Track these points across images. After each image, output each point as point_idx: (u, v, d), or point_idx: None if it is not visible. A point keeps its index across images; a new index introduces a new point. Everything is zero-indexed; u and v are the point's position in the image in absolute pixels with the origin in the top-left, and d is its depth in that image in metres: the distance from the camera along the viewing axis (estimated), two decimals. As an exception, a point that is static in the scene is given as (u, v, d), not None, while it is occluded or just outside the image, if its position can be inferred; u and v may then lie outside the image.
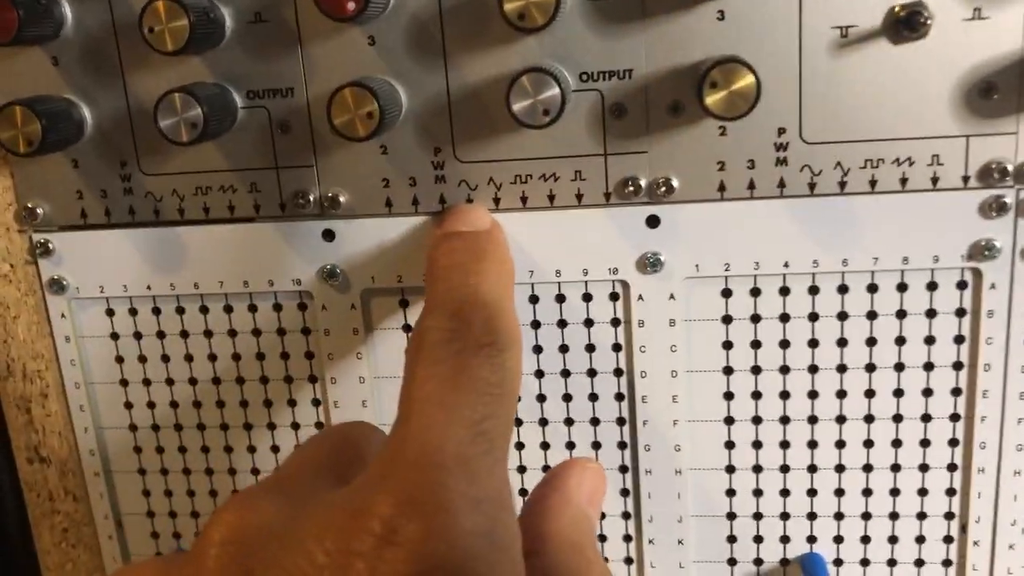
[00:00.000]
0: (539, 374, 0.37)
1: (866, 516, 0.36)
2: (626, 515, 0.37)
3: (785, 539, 0.37)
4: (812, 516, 0.36)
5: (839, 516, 0.36)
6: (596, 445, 0.37)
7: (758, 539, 0.37)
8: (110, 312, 0.38)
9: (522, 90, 0.32)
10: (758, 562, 0.38)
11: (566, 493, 0.27)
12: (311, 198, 0.35)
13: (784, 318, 0.35)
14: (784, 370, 0.35)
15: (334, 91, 0.32)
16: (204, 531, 0.23)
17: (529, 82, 0.32)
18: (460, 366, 0.25)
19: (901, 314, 0.34)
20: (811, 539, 0.37)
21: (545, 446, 0.39)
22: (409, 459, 0.22)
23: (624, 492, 0.37)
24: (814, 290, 0.35)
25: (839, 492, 0.35)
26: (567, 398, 0.38)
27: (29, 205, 0.38)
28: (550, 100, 0.32)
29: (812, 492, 0.36)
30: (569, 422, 0.38)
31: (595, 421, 0.38)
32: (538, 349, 0.37)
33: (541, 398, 0.38)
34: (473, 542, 0.20)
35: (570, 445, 0.38)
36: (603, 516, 0.37)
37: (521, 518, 0.24)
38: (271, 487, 0.25)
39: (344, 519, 0.21)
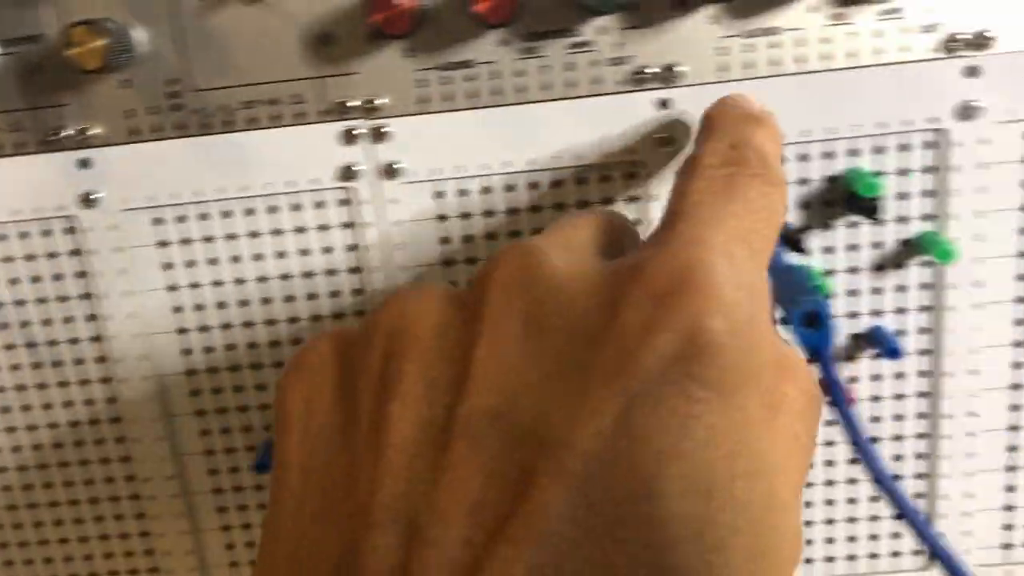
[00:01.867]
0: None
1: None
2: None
3: None
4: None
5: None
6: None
7: None
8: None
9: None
10: None
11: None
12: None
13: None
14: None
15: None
16: (485, 271, 0.23)
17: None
18: (732, 184, 0.26)
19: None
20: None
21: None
22: (677, 243, 0.23)
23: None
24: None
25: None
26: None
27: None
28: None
29: None
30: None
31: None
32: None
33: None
34: (736, 317, 0.21)
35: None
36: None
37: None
38: (553, 242, 0.25)
39: (620, 279, 0.22)
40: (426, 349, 0.23)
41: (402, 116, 0.37)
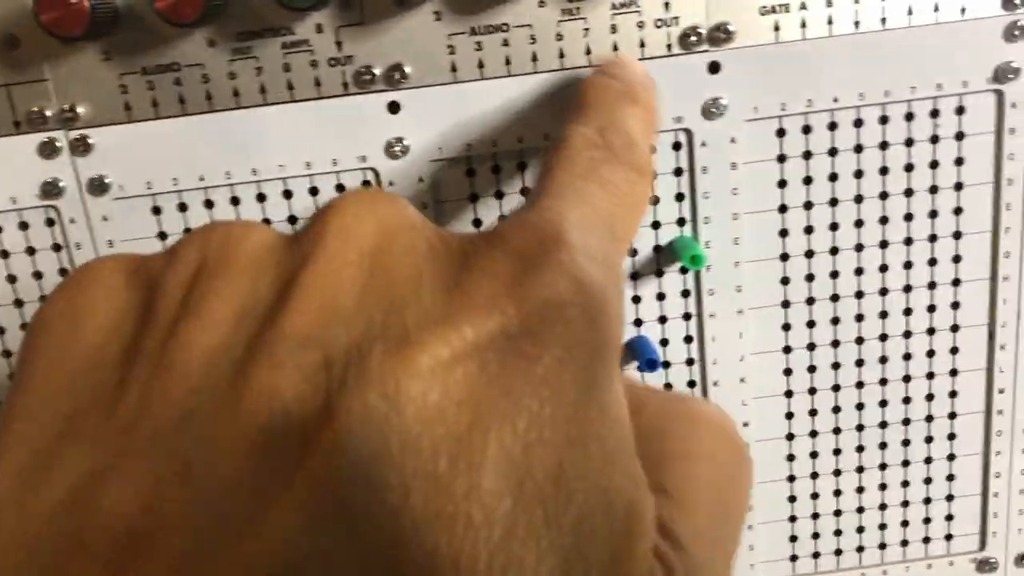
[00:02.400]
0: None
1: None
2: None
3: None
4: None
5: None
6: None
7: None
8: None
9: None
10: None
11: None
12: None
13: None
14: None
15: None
16: (332, 201, 0.21)
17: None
18: (597, 167, 0.26)
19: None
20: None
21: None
22: (537, 215, 0.22)
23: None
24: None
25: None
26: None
27: None
28: None
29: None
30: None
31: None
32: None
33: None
34: (588, 290, 0.20)
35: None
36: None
37: None
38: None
39: (475, 241, 0.21)
40: (243, 268, 0.20)
41: (106, 125, 0.34)
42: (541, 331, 0.19)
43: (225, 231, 0.21)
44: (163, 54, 0.33)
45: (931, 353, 0.38)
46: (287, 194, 0.35)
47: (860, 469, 0.40)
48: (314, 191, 0.35)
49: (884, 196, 0.36)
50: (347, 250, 0.20)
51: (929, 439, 0.40)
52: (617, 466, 0.19)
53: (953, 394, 0.39)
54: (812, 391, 0.39)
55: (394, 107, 0.34)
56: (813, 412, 0.39)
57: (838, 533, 0.41)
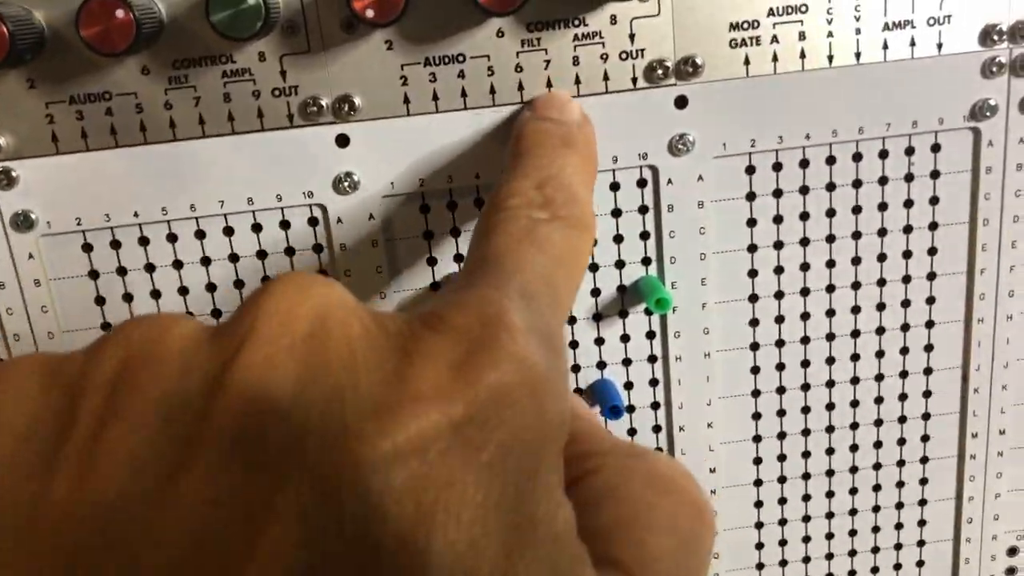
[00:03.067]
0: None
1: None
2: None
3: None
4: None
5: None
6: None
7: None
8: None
9: None
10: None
11: (586, 418, 0.27)
12: None
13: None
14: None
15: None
16: (261, 289, 0.20)
17: None
18: (536, 228, 0.25)
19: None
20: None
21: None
22: (476, 294, 0.21)
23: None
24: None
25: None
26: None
27: None
28: None
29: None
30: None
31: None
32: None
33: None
34: (530, 373, 0.19)
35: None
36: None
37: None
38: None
39: (416, 328, 0.20)
40: (169, 365, 0.19)
41: (32, 157, 0.31)
42: (486, 418, 0.18)
43: (148, 325, 0.20)
44: (93, 82, 0.31)
45: (903, 396, 0.37)
46: (228, 231, 0.33)
47: (830, 515, 0.39)
48: (257, 228, 0.33)
49: (857, 236, 0.35)
50: (279, 336, 0.19)
51: (901, 483, 0.38)
52: (565, 548, 0.19)
53: (925, 438, 0.38)
54: (781, 435, 0.37)
55: (343, 140, 0.32)
56: (782, 457, 0.38)
57: (807, 580, 0.39)
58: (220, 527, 0.17)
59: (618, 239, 0.34)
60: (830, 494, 0.38)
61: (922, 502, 0.39)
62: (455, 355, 0.19)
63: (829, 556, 0.39)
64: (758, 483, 0.38)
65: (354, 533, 0.17)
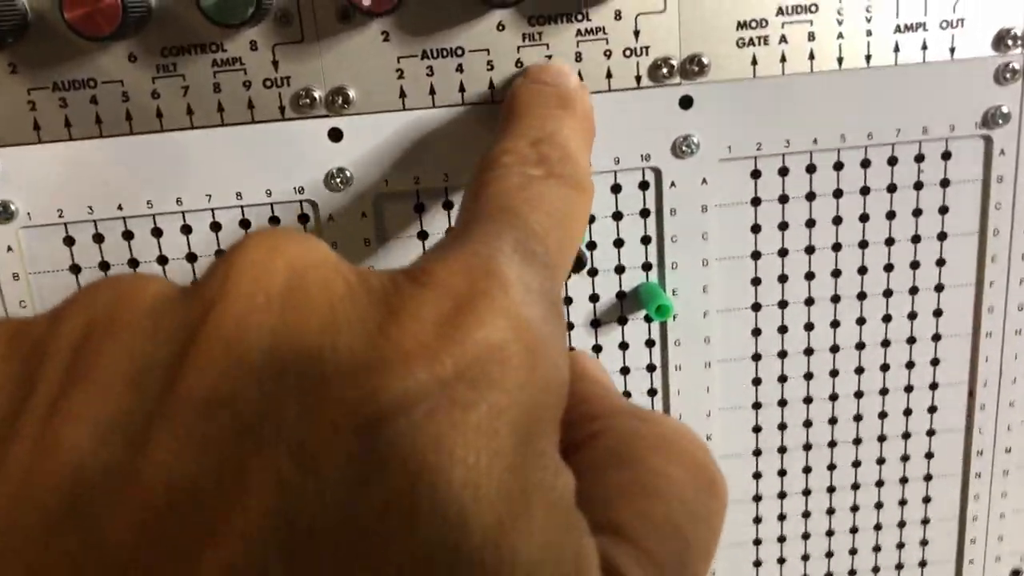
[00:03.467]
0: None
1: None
2: None
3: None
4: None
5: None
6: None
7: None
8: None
9: None
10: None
11: (594, 378, 0.25)
12: None
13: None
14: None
15: None
16: (233, 246, 0.18)
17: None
18: (530, 185, 0.24)
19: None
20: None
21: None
22: (468, 250, 0.20)
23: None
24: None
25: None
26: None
27: None
28: None
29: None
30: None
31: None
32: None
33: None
34: (524, 334, 0.18)
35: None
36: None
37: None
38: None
39: (405, 284, 0.18)
40: (136, 326, 0.18)
41: (12, 146, 0.30)
42: (477, 376, 0.17)
43: (114, 286, 0.18)
44: (78, 68, 0.30)
45: (908, 412, 0.36)
46: (215, 226, 0.32)
47: (830, 533, 0.37)
48: (245, 224, 0.32)
49: (864, 245, 0.34)
50: (254, 293, 0.18)
51: (903, 502, 0.37)
52: (560, 516, 0.18)
53: (929, 455, 0.37)
54: (782, 450, 0.36)
55: (336, 134, 0.31)
56: (783, 472, 0.36)
57: (805, 599, 0.38)
58: (191, 498, 0.16)
59: (618, 243, 0.33)
60: (831, 511, 0.37)
61: (925, 521, 0.38)
62: (442, 310, 0.18)
63: (828, 575, 0.38)
64: (757, 498, 0.37)
65: (335, 501, 0.16)
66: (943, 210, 0.34)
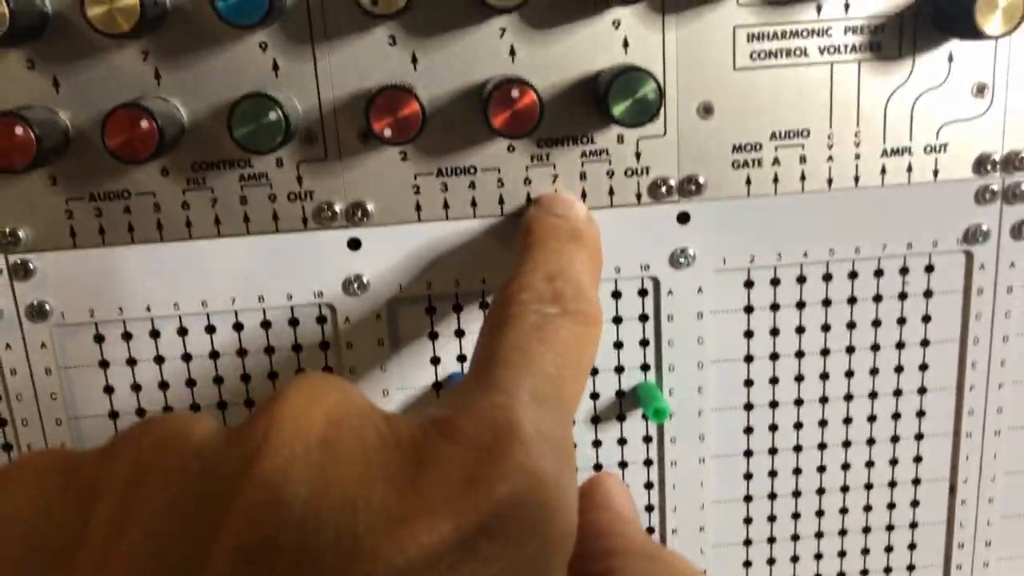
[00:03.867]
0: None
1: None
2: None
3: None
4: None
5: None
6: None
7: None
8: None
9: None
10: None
11: (616, 509, 0.27)
12: None
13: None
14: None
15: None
16: (273, 395, 0.20)
17: None
18: (545, 325, 0.25)
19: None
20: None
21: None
22: (487, 399, 0.21)
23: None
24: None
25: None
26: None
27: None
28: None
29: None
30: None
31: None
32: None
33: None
34: (541, 482, 0.20)
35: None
36: None
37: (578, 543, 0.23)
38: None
39: (430, 434, 0.20)
40: (184, 472, 0.19)
41: (49, 251, 0.32)
42: (497, 531, 0.18)
43: (163, 426, 0.20)
44: (113, 181, 0.31)
45: (892, 506, 0.38)
46: (238, 327, 0.34)
47: (818, 602, 0.39)
48: (266, 324, 0.34)
49: (851, 350, 0.36)
50: (294, 443, 0.19)
51: (889, 548, 0.39)
52: None
53: (912, 546, 0.38)
54: (771, 540, 0.38)
55: (354, 244, 0.33)
56: (771, 561, 0.38)
57: None
58: None
59: (618, 345, 0.35)
60: (818, 599, 0.39)
61: (911, 568, 0.39)
62: (467, 466, 0.19)
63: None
64: (747, 586, 0.38)
65: None
66: (926, 319, 0.36)
